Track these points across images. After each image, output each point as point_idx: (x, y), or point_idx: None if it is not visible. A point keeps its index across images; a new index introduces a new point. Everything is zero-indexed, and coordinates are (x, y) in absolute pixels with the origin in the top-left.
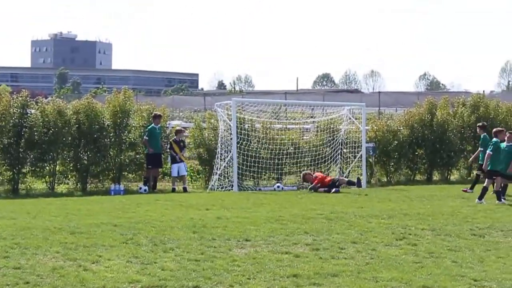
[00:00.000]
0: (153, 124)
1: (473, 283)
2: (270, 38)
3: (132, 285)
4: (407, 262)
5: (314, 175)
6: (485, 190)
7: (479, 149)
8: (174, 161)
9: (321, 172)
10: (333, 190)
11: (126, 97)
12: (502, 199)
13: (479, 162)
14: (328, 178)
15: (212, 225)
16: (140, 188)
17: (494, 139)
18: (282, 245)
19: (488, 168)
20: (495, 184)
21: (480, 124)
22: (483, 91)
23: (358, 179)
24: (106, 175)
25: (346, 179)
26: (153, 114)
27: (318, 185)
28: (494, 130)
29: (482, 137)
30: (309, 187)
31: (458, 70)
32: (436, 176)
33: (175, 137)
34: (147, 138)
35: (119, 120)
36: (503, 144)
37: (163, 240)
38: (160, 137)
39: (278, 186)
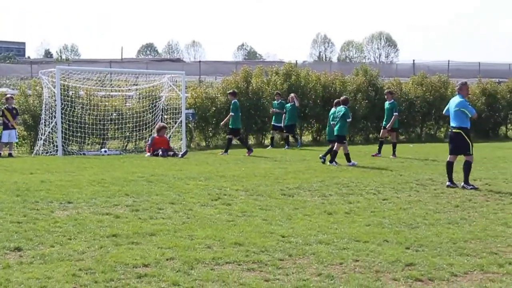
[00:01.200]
0: None
1: (281, 239)
2: (95, 8)
3: None
4: (221, 220)
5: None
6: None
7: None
8: (6, 128)
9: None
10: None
11: None
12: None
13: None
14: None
15: (35, 188)
16: None
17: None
18: (103, 206)
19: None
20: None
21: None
22: (296, 61)
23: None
24: None
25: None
26: None
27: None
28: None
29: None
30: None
31: (274, 41)
32: (251, 140)
33: (6, 104)
34: None
35: None
36: (387, 103)
37: None
38: None
39: (105, 151)
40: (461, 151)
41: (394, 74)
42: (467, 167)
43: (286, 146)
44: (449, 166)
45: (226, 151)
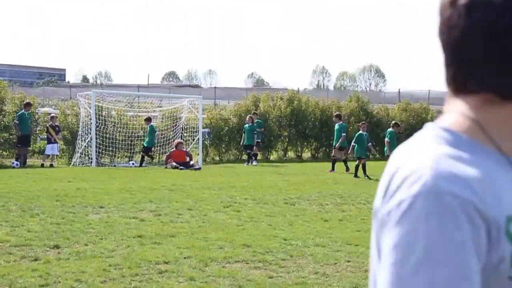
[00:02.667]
0: (23, 110)
1: (283, 242)
2: (126, 40)
3: (1, 244)
4: (232, 225)
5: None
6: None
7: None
8: (49, 142)
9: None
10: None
11: (1, 87)
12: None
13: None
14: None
15: (72, 194)
16: (13, 163)
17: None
18: (131, 211)
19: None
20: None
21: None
22: (298, 88)
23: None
24: None
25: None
26: (24, 102)
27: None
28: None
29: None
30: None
31: (279, 70)
32: (258, 156)
33: (50, 122)
34: (17, 122)
35: None
36: (336, 125)
37: (30, 207)
38: (29, 121)
39: (133, 163)
40: None
41: (382, 101)
42: None
43: (248, 163)
44: None
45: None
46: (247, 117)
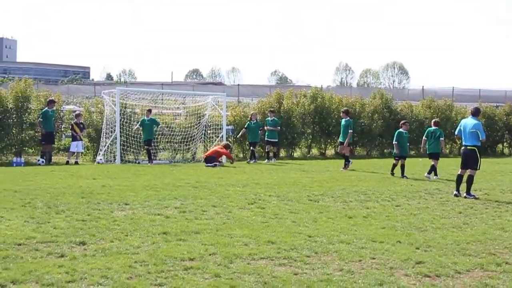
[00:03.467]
0: (47, 108)
1: (308, 239)
2: (150, 38)
3: (28, 241)
4: (256, 222)
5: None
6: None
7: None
8: (74, 139)
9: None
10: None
11: (26, 85)
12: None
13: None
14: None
15: (97, 191)
16: (38, 161)
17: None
18: (155, 208)
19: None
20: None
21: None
22: (321, 85)
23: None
24: (9, 149)
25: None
26: (47, 100)
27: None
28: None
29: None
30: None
31: (302, 68)
32: (282, 153)
33: (75, 119)
34: (41, 119)
35: (20, 104)
36: (343, 120)
37: (56, 204)
38: (53, 119)
39: (159, 160)
40: (470, 166)
41: (406, 98)
42: (471, 180)
43: (251, 160)
44: (459, 178)
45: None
46: (251, 114)
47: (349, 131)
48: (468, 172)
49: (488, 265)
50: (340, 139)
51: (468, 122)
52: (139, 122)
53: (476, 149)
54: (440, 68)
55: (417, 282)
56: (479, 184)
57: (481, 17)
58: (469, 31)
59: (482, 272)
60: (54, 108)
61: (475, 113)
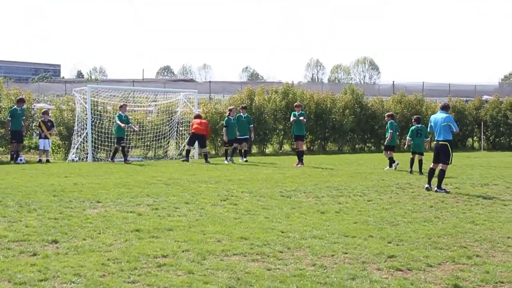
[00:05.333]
0: (15, 106)
1: (281, 234)
2: (120, 35)
3: (0, 240)
4: (229, 218)
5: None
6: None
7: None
8: (40, 137)
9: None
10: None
11: None
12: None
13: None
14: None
15: (69, 189)
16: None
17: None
18: (128, 205)
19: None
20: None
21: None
22: (292, 81)
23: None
24: None
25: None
26: (17, 98)
27: None
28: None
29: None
30: None
31: (274, 64)
32: (254, 149)
33: (42, 117)
34: (9, 118)
35: None
36: (296, 113)
37: (27, 203)
38: (22, 118)
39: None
40: (441, 160)
41: (377, 93)
42: (442, 174)
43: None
44: (431, 172)
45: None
46: (229, 109)
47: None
48: (440, 166)
49: (459, 258)
50: (296, 133)
51: (438, 116)
52: (121, 120)
53: (448, 144)
54: (410, 64)
55: (389, 276)
56: (449, 178)
57: (449, 13)
58: (438, 27)
59: (453, 265)
60: (24, 107)
61: (444, 107)
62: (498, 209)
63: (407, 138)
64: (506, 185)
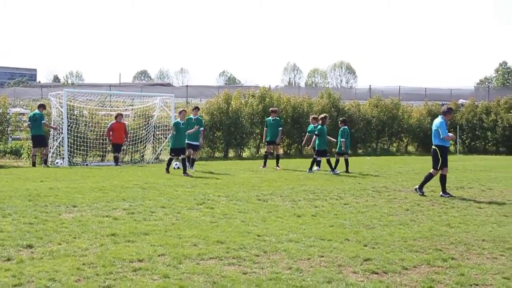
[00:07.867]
0: (36, 111)
1: (257, 238)
2: (97, 39)
3: None
4: (205, 222)
5: None
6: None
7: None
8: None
9: None
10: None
11: None
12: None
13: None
14: None
15: (45, 194)
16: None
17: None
18: (104, 210)
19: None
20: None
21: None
22: (269, 85)
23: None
24: None
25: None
26: (37, 104)
27: None
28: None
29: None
30: None
31: (251, 68)
32: (231, 153)
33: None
34: (29, 123)
35: None
36: (270, 119)
37: (2, 207)
38: (41, 121)
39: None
40: (432, 165)
41: (354, 97)
42: (428, 178)
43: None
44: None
45: None
46: (180, 111)
47: (279, 129)
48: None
49: (434, 261)
50: (269, 139)
51: (435, 121)
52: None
53: (437, 149)
54: (386, 68)
55: (365, 279)
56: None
57: (425, 18)
58: (414, 32)
59: (428, 268)
60: (44, 112)
61: (442, 112)
62: (473, 212)
63: (341, 139)
64: (481, 188)
